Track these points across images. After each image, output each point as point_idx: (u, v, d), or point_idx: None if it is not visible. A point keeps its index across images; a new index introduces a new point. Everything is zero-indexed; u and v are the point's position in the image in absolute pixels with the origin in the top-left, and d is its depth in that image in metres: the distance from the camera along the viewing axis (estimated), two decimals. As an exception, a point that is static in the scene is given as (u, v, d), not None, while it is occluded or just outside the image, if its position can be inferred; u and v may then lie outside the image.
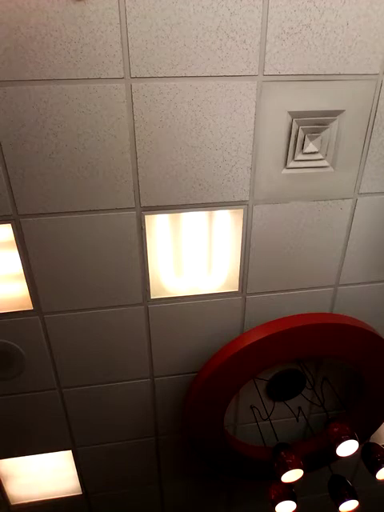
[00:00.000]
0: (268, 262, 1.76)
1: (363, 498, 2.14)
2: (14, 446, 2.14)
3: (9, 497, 2.38)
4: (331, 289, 1.91)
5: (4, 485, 2.31)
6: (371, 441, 2.29)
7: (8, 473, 2.27)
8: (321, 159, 1.56)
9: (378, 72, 1.43)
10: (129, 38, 1.26)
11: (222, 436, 2.08)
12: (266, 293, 1.85)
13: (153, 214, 1.57)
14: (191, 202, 1.57)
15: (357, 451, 1.88)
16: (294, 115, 1.45)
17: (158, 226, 1.62)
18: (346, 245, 1.79)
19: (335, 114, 1.48)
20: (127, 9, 1.22)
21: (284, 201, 1.63)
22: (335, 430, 1.87)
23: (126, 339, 1.85)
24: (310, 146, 1.51)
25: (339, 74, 1.41)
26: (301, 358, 1.99)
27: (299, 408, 2.29)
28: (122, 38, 1.25)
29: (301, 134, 1.49)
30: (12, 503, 2.41)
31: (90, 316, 1.76)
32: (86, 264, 1.63)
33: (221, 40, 1.30)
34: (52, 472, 2.31)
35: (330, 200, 1.66)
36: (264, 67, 1.36)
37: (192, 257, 1.71)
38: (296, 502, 2.02)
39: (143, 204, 1.54)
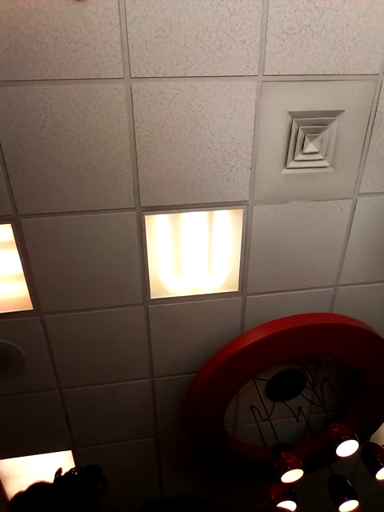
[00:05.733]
0: (268, 262, 1.76)
1: (363, 498, 2.14)
2: (14, 446, 2.14)
3: (9, 497, 2.38)
4: (331, 289, 1.91)
5: (4, 485, 2.31)
6: (371, 441, 2.29)
7: (8, 473, 2.27)
8: (321, 159, 1.56)
9: (377, 72, 1.43)
10: (129, 38, 1.26)
11: (222, 436, 2.08)
12: (266, 293, 1.85)
13: (153, 214, 1.57)
14: (191, 202, 1.57)
15: (357, 451, 1.88)
16: (294, 115, 1.45)
17: (158, 226, 1.62)
18: (346, 245, 1.78)
19: (335, 114, 1.48)
20: (127, 9, 1.22)
21: (284, 201, 1.63)
22: (335, 430, 1.88)
23: (126, 339, 1.85)
24: (310, 146, 1.51)
25: (339, 74, 1.41)
26: (301, 358, 1.99)
27: (299, 408, 2.29)
28: (121, 38, 1.25)
29: (301, 134, 1.49)
30: (12, 503, 2.41)
31: (90, 316, 1.76)
32: (86, 264, 1.63)
33: (221, 40, 1.30)
34: (52, 472, 2.31)
35: (330, 200, 1.66)
36: (264, 67, 1.36)
37: (192, 257, 1.71)
38: (296, 502, 2.02)
39: (143, 204, 1.54)
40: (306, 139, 1.50)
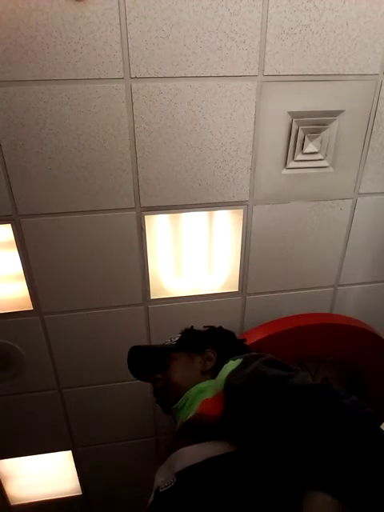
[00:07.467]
0: (268, 262, 1.76)
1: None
2: (14, 446, 2.14)
3: (9, 497, 2.38)
4: (331, 289, 1.90)
5: (4, 485, 2.31)
6: (371, 441, 2.28)
7: (8, 473, 2.27)
8: (321, 159, 1.56)
9: (377, 72, 1.43)
10: (129, 38, 1.26)
11: (222, 436, 2.08)
12: (266, 293, 1.85)
13: (153, 214, 1.57)
14: (191, 202, 1.57)
15: (357, 451, 1.87)
16: (294, 115, 1.45)
17: (158, 226, 1.62)
18: (346, 245, 1.78)
19: (335, 114, 1.48)
20: (127, 9, 1.22)
21: (284, 201, 1.63)
22: (335, 430, 1.87)
23: (126, 339, 1.85)
24: (310, 146, 1.51)
25: (339, 74, 1.41)
26: (301, 358, 1.99)
27: (299, 408, 2.29)
28: (121, 38, 1.25)
29: (301, 134, 1.49)
30: (12, 503, 2.41)
31: (90, 316, 1.76)
32: (85, 264, 1.63)
33: (221, 40, 1.30)
34: (52, 472, 2.31)
35: (330, 200, 1.66)
36: (264, 67, 1.36)
37: (192, 257, 1.71)
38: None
39: (143, 204, 1.54)
40: (306, 139, 1.50)
